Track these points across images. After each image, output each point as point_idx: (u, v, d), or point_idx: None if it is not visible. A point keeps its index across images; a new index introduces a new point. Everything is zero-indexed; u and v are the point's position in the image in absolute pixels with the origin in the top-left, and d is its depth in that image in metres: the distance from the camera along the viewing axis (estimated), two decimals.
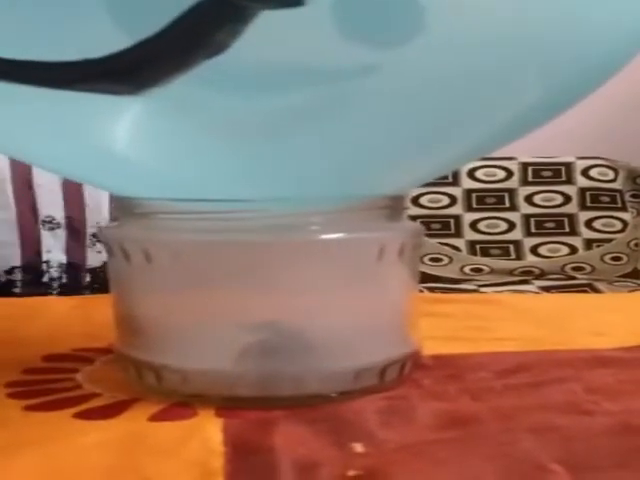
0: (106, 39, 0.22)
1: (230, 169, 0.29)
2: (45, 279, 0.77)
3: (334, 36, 0.23)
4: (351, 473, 0.25)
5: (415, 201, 1.44)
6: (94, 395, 0.32)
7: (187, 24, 0.21)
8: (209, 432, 0.28)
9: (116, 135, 0.28)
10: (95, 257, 0.78)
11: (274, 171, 0.29)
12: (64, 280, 0.77)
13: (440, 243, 1.45)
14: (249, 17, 0.21)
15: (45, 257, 0.77)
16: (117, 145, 0.29)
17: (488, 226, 1.47)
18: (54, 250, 0.77)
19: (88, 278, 0.78)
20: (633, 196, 1.48)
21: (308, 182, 0.30)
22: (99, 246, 0.76)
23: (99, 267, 0.78)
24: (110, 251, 0.33)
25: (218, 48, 0.21)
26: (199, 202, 0.30)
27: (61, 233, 0.77)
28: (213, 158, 0.29)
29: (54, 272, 0.78)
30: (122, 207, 0.33)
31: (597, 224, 1.46)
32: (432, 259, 1.43)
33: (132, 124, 0.27)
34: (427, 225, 1.44)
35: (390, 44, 0.24)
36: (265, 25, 0.22)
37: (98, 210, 0.78)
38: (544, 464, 0.25)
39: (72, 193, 0.78)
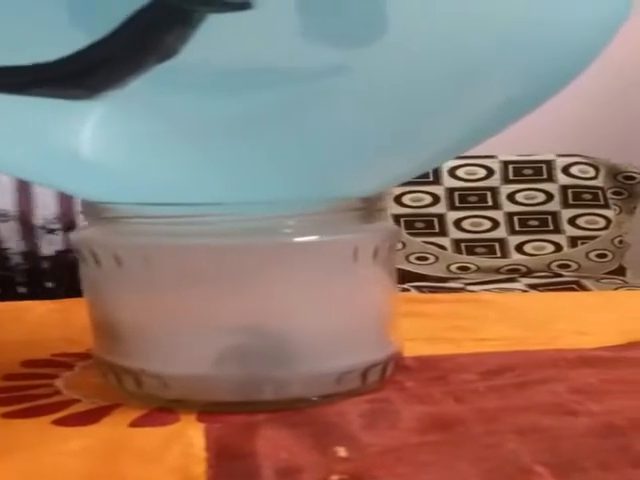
0: (60, 41, 0.22)
1: (199, 172, 0.29)
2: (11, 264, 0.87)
3: (297, 37, 0.23)
4: (334, 478, 0.24)
5: (398, 200, 1.45)
6: (74, 401, 0.32)
7: (134, 28, 0.20)
8: (191, 437, 0.28)
9: (81, 139, 0.28)
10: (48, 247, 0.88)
11: (244, 174, 0.29)
12: (26, 266, 0.88)
13: (425, 242, 1.45)
14: (196, 21, 0.20)
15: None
16: (82, 149, 0.28)
17: (472, 224, 1.47)
18: (9, 241, 0.87)
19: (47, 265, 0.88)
20: (615, 193, 1.48)
21: (280, 185, 0.30)
22: (49, 237, 0.87)
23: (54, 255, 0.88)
24: (81, 256, 0.33)
25: (168, 52, 0.21)
26: (168, 206, 0.30)
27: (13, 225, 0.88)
28: (182, 161, 0.29)
29: (16, 258, 0.87)
30: (91, 211, 0.32)
31: (580, 222, 1.47)
32: (418, 258, 1.44)
33: (97, 128, 0.27)
34: (411, 224, 1.45)
35: (355, 44, 0.24)
36: (225, 27, 0.21)
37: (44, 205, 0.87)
38: (528, 466, 0.25)
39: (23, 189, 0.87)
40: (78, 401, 0.32)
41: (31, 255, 0.87)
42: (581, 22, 0.28)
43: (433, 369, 0.35)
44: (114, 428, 0.29)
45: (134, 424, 0.29)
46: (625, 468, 0.25)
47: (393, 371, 0.33)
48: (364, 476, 0.25)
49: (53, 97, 0.22)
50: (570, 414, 0.29)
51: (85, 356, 0.37)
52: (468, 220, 1.47)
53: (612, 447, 0.26)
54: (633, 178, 1.48)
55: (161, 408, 0.31)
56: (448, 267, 1.44)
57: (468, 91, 0.28)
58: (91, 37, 0.21)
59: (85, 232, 0.33)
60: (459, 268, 1.45)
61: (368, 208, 0.32)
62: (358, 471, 0.25)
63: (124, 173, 0.30)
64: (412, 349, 0.36)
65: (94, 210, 0.32)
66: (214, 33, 0.21)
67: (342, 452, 0.26)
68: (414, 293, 1.17)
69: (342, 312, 0.32)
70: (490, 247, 1.47)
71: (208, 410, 0.30)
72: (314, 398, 0.31)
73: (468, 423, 0.29)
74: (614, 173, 1.49)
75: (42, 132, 0.28)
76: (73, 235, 0.33)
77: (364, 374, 0.32)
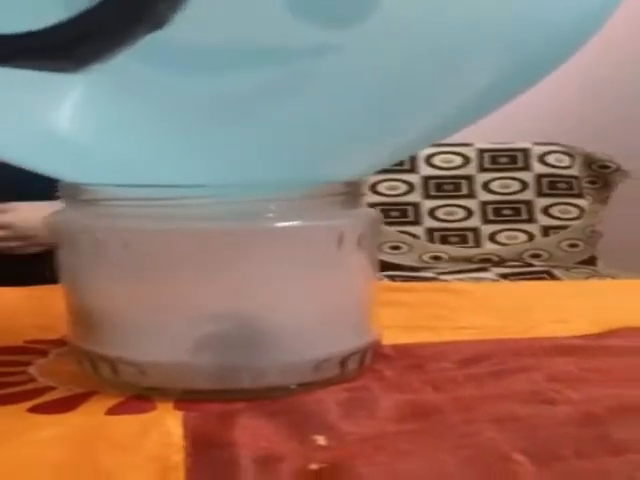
0: (43, 10, 0.21)
1: (181, 153, 0.29)
2: None
3: (286, 15, 0.23)
4: (313, 466, 0.24)
5: (373, 188, 1.45)
6: (49, 388, 0.32)
7: None
8: (169, 426, 0.28)
9: (59, 118, 0.27)
10: None
11: (227, 155, 0.29)
12: None
13: (399, 231, 1.45)
14: None
15: None
16: (61, 129, 0.28)
17: (446, 213, 1.47)
18: None
19: None
20: (590, 182, 1.49)
21: (262, 167, 0.30)
22: None
23: None
24: (58, 240, 0.32)
25: (159, 21, 0.20)
26: (148, 188, 0.30)
27: None
28: (163, 142, 0.28)
29: None
30: (68, 193, 0.32)
31: (554, 211, 1.48)
32: (392, 247, 1.44)
33: (76, 106, 0.26)
34: (386, 213, 1.45)
35: (344, 24, 0.24)
36: (212, 2, 0.21)
37: None
38: (507, 454, 0.25)
39: None
40: (53, 388, 0.32)
41: None
42: (572, 3, 0.28)
43: (411, 357, 0.35)
44: (90, 416, 0.29)
45: (111, 412, 0.29)
46: (603, 456, 0.25)
47: (372, 359, 0.33)
48: (343, 465, 0.24)
49: (39, 69, 0.21)
50: (548, 402, 0.29)
51: (59, 343, 0.37)
52: (442, 209, 1.48)
53: (590, 436, 0.26)
54: (608, 167, 1.49)
55: (138, 396, 0.30)
56: (421, 256, 1.45)
57: (455, 72, 0.28)
58: (78, 6, 0.20)
59: (63, 215, 0.32)
60: (432, 257, 1.45)
61: (352, 193, 0.32)
62: (337, 460, 0.25)
63: (103, 153, 0.29)
64: (390, 337, 0.36)
65: (72, 192, 0.32)
66: (201, 8, 0.20)
67: (321, 441, 0.26)
68: (388, 282, 1.17)
69: (323, 300, 0.32)
70: (463, 236, 1.47)
71: (185, 398, 0.30)
72: (292, 386, 0.31)
73: (446, 412, 0.29)
74: (589, 162, 1.50)
75: (19, 110, 0.27)
76: (50, 218, 0.33)
77: (343, 362, 0.32)
